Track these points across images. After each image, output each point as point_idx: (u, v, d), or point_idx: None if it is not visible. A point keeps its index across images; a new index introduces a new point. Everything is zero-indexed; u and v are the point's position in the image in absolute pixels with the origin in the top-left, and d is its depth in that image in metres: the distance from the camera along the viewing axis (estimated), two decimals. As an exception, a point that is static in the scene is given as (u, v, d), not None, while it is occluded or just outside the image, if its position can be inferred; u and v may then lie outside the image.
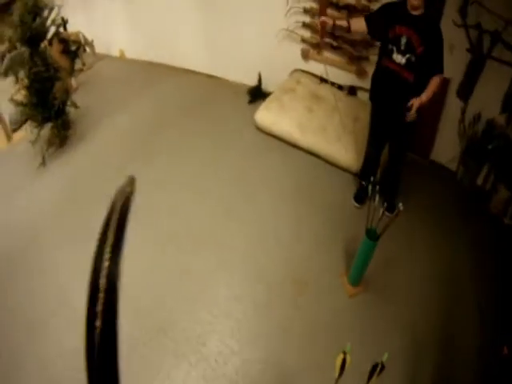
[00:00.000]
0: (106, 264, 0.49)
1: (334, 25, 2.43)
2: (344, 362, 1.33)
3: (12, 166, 3.33)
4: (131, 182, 0.60)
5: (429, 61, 2.19)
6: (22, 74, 3.05)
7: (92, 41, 4.52)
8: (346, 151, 3.12)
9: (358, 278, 2.27)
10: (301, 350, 2.04)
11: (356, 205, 2.89)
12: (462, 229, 2.83)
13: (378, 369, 1.30)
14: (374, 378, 1.31)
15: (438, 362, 2.00)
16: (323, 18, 2.44)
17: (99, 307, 0.48)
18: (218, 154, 3.30)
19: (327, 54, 3.88)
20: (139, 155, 3.25)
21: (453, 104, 3.31)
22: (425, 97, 2.21)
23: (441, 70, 2.22)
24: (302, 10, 3.64)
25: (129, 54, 4.81)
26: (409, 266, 2.49)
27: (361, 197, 2.88)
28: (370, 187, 2.13)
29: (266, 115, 3.50)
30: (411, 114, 2.24)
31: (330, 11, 3.36)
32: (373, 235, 2.05)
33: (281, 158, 3.29)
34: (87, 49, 4.59)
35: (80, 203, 2.87)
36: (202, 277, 2.37)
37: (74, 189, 3.02)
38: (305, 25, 3.75)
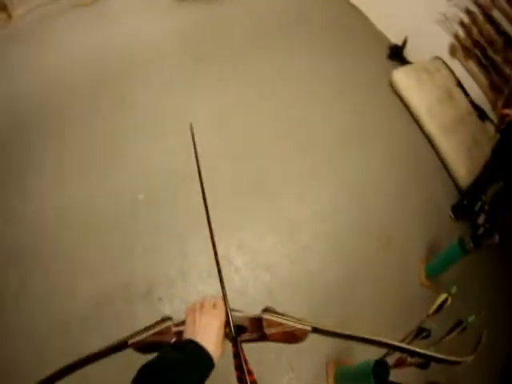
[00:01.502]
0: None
1: None
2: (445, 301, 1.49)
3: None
4: None
5: None
6: None
7: None
8: (461, 161, 3.12)
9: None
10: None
11: (451, 216, 2.90)
12: None
13: (461, 328, 1.46)
14: (454, 333, 1.46)
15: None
16: (506, 111, 2.37)
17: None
18: (345, 88, 3.24)
19: (473, 66, 3.73)
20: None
21: None
22: None
23: None
24: (463, 8, 3.46)
25: None
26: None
27: (458, 212, 2.88)
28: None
29: (403, 78, 3.45)
30: None
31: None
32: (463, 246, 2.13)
33: (404, 125, 3.31)
34: None
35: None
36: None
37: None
38: (462, 24, 3.56)
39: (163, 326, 0.81)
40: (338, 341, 1.93)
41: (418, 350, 0.89)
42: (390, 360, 1.57)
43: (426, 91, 3.42)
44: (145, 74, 2.89)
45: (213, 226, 2.14)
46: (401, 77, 3.44)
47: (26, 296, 1.91)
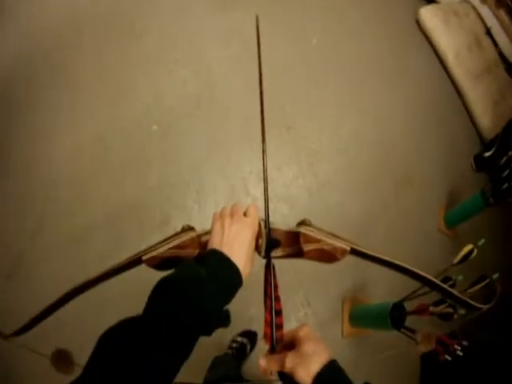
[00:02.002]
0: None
1: None
2: (471, 252, 1.43)
3: None
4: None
5: None
6: None
7: None
8: (487, 111, 2.93)
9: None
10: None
11: (473, 166, 2.77)
12: None
13: (485, 283, 1.36)
14: (477, 287, 1.36)
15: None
16: None
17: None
18: (369, 21, 3.02)
19: (503, 15, 3.46)
20: None
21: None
22: None
23: None
24: None
25: None
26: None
27: (479, 162, 2.74)
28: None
29: (431, 18, 3.19)
30: None
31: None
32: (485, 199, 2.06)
33: (430, 66, 3.12)
34: None
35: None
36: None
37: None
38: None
39: (184, 238, 0.69)
40: (355, 279, 1.90)
41: (453, 290, 0.84)
42: (408, 306, 1.52)
43: (454, 34, 3.17)
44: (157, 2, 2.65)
45: (230, 153, 2.05)
46: (429, 16, 3.17)
47: (41, 236, 1.86)
